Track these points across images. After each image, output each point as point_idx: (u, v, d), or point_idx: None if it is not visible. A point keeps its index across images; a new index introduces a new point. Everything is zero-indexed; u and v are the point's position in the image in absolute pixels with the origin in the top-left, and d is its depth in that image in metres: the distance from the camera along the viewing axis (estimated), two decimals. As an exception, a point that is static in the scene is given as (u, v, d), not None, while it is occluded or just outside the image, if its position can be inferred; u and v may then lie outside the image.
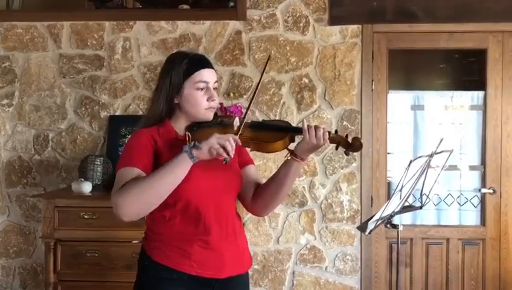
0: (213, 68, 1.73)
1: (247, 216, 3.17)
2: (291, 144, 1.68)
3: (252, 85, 3.22)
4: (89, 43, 3.27)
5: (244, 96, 3.22)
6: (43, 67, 3.28)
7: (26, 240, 3.29)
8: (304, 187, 3.22)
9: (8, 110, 3.29)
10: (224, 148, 1.51)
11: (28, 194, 3.26)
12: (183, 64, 1.67)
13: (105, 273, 2.74)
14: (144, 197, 1.51)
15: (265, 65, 1.73)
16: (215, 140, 1.52)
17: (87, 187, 2.86)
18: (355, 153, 3.10)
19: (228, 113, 2.90)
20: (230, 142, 1.52)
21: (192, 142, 1.54)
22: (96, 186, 2.99)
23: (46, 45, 3.28)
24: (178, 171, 1.53)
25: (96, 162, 3.05)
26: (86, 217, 2.73)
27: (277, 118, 3.20)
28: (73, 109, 3.28)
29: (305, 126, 1.63)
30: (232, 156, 1.52)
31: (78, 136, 3.27)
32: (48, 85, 3.28)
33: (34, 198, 3.21)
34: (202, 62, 1.71)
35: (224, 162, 1.53)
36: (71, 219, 2.75)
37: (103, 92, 3.27)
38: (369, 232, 2.45)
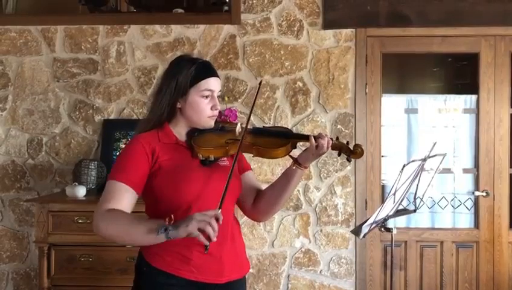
0: (219, 77, 1.74)
1: (242, 220, 3.16)
2: (293, 150, 1.70)
3: (246, 89, 3.23)
4: (83, 47, 3.26)
5: (239, 100, 3.22)
6: (36, 71, 3.27)
7: (20, 244, 3.27)
8: (298, 191, 3.23)
9: (2, 115, 3.28)
10: (204, 233, 1.38)
11: (22, 199, 3.24)
12: (191, 70, 1.67)
13: (99, 278, 2.73)
14: (120, 237, 1.54)
15: (258, 90, 1.74)
16: (195, 226, 1.38)
17: (81, 191, 2.85)
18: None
19: (223, 117, 2.90)
20: (213, 225, 1.38)
21: (170, 225, 1.42)
22: (90, 191, 2.98)
23: (40, 48, 3.27)
24: (151, 241, 1.50)
25: (90, 166, 3.04)
26: (80, 221, 2.72)
27: (271, 122, 3.21)
28: (67, 113, 3.27)
29: (312, 137, 1.65)
30: (215, 240, 1.39)
31: (72, 140, 3.26)
32: (41, 89, 3.27)
33: (28, 202, 3.19)
34: (210, 70, 1.71)
35: (205, 251, 1.43)
36: (65, 223, 2.73)
37: (97, 96, 3.26)
38: (363, 236, 2.45)
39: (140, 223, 1.50)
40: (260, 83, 1.78)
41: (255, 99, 1.73)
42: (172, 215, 1.44)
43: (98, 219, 1.54)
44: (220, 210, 1.44)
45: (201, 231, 1.38)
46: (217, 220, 1.40)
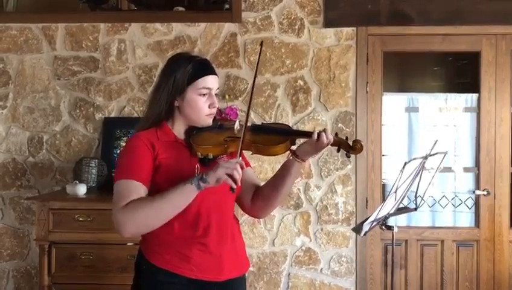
0: (216, 74, 1.73)
1: (242, 218, 3.17)
2: (292, 147, 1.69)
3: (247, 87, 3.23)
4: (83, 45, 3.26)
5: (240, 98, 3.22)
6: (37, 69, 3.27)
7: (20, 242, 3.27)
8: (299, 189, 3.23)
9: (2, 112, 3.28)
10: (231, 177, 1.49)
11: (22, 197, 3.24)
12: (189, 68, 1.67)
13: (100, 276, 2.72)
14: (149, 220, 1.54)
15: (259, 54, 1.75)
16: (223, 171, 1.50)
17: (81, 189, 2.85)
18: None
19: (223, 115, 2.90)
20: (238, 170, 1.50)
21: (200, 174, 1.53)
22: (91, 189, 2.98)
23: (41, 46, 3.27)
24: (184, 201, 1.55)
25: (91, 165, 3.04)
26: (80, 219, 2.72)
27: (272, 120, 3.20)
28: (67, 111, 3.27)
29: (315, 132, 1.63)
30: (240, 184, 1.52)
31: (73, 138, 3.26)
32: (42, 87, 3.27)
33: (28, 200, 3.19)
34: (207, 68, 1.71)
35: (231, 191, 1.52)
36: (66, 221, 2.73)
37: (98, 94, 3.26)
38: (364, 234, 2.45)
39: (167, 191, 1.54)
40: (261, 44, 1.78)
41: (257, 68, 1.73)
42: (198, 165, 1.61)
43: (118, 215, 1.53)
44: (241, 158, 1.56)
45: (229, 175, 1.49)
46: (241, 166, 1.51)
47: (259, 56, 1.75)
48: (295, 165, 1.70)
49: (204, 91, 1.68)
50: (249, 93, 3.22)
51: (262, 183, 1.83)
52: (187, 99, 1.67)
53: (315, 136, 1.62)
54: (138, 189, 1.57)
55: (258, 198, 1.79)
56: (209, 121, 1.72)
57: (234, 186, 1.50)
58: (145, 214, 1.52)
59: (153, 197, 1.56)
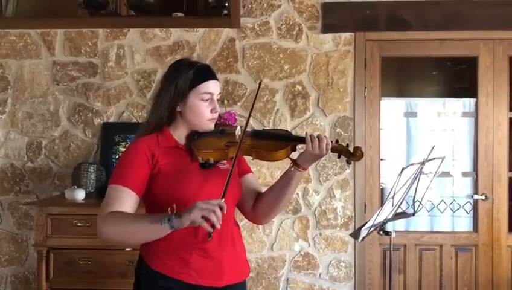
0: (218, 80, 1.74)
1: (241, 223, 3.16)
2: (293, 152, 1.69)
3: (246, 92, 3.24)
4: (82, 51, 3.27)
5: (238, 104, 3.23)
6: (36, 74, 3.28)
7: (19, 248, 3.26)
8: (297, 194, 3.23)
9: (1, 118, 3.28)
10: (208, 221, 1.39)
11: (21, 202, 3.24)
12: (190, 73, 1.68)
13: (98, 281, 2.72)
14: (123, 238, 1.55)
15: (257, 91, 1.75)
16: (198, 214, 1.39)
17: (80, 195, 2.85)
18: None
19: (222, 120, 2.90)
20: (217, 213, 1.38)
21: (172, 215, 1.42)
22: (89, 194, 2.98)
23: (40, 52, 3.28)
24: (157, 236, 1.51)
25: (89, 170, 3.04)
26: (79, 224, 2.72)
27: (271, 125, 3.21)
28: (66, 116, 3.28)
29: (308, 137, 1.64)
30: (219, 227, 1.39)
31: (72, 144, 3.27)
32: (41, 92, 3.27)
33: (27, 206, 3.18)
34: (209, 73, 1.72)
35: (208, 238, 1.42)
36: (64, 226, 2.73)
37: (97, 99, 3.27)
38: (362, 240, 2.46)
39: (143, 218, 1.52)
40: (260, 84, 1.78)
41: (255, 100, 1.74)
42: (174, 205, 1.44)
43: (100, 223, 1.55)
44: (224, 199, 1.44)
45: (205, 218, 1.39)
46: (221, 208, 1.40)
47: (256, 94, 1.75)
48: (296, 174, 1.70)
49: (206, 96, 1.69)
50: (248, 98, 3.22)
51: (263, 189, 1.83)
52: (189, 105, 1.68)
53: (308, 139, 1.63)
54: (127, 196, 1.58)
55: (260, 204, 1.79)
56: (210, 126, 1.73)
57: (210, 230, 1.39)
58: (120, 231, 1.53)
59: (133, 218, 1.54)
